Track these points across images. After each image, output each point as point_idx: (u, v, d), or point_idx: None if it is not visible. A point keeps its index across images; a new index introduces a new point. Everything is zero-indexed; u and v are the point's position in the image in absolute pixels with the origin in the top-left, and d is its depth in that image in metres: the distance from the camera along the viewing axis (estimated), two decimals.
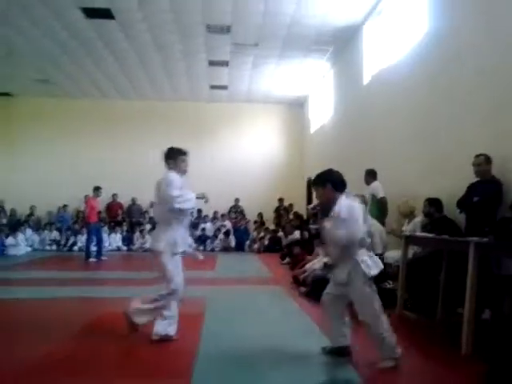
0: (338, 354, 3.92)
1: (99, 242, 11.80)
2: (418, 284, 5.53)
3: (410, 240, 5.63)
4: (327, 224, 3.83)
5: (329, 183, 3.89)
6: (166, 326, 4.41)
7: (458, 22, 6.22)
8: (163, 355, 4.06)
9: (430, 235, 5.08)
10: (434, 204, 5.83)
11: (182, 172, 4.65)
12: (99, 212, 12.38)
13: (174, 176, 4.49)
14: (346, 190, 3.92)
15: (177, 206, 4.36)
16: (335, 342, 3.96)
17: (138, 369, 3.79)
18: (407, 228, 6.36)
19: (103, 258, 11.64)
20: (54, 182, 15.76)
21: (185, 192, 4.46)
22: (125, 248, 14.34)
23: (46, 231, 14.76)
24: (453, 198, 5.55)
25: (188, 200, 4.46)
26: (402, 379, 3.68)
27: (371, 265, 3.74)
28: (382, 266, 3.86)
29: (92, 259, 11.36)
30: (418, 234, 5.71)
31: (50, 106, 16.32)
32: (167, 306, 4.45)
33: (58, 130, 16.34)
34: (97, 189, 11.66)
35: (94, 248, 11.78)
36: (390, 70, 8.70)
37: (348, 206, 3.76)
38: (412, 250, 5.89)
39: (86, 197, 14.42)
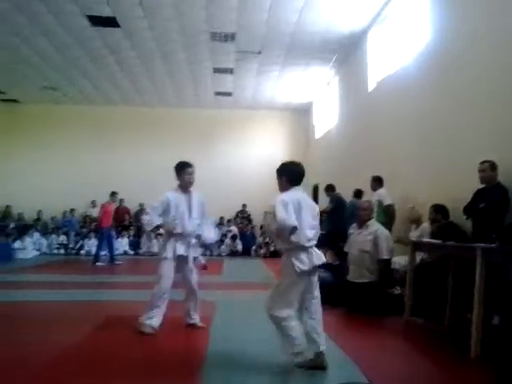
0: (314, 364, 3.72)
1: (111, 247, 11.78)
2: (426, 289, 5.56)
3: (417, 246, 5.66)
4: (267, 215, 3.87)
5: (284, 175, 3.89)
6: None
7: (459, 31, 6.29)
8: (174, 356, 4.11)
9: (437, 241, 5.11)
10: (439, 211, 5.90)
11: (188, 184, 4.95)
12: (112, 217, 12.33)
13: (163, 199, 4.88)
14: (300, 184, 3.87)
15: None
16: (304, 348, 3.76)
17: (149, 369, 3.83)
18: (415, 234, 6.40)
19: (117, 262, 11.63)
20: (59, 187, 15.86)
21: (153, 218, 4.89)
22: (132, 252, 14.43)
23: (53, 235, 14.85)
24: (458, 203, 5.59)
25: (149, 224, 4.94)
26: None
27: (304, 260, 3.70)
28: (323, 260, 3.85)
29: (101, 263, 11.31)
30: (425, 240, 5.74)
31: (57, 112, 16.53)
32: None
33: (64, 136, 16.53)
34: (113, 194, 11.77)
35: (102, 253, 11.77)
36: (395, 76, 8.75)
37: (278, 198, 3.73)
38: (419, 256, 5.92)
39: (93, 202, 15.05)
